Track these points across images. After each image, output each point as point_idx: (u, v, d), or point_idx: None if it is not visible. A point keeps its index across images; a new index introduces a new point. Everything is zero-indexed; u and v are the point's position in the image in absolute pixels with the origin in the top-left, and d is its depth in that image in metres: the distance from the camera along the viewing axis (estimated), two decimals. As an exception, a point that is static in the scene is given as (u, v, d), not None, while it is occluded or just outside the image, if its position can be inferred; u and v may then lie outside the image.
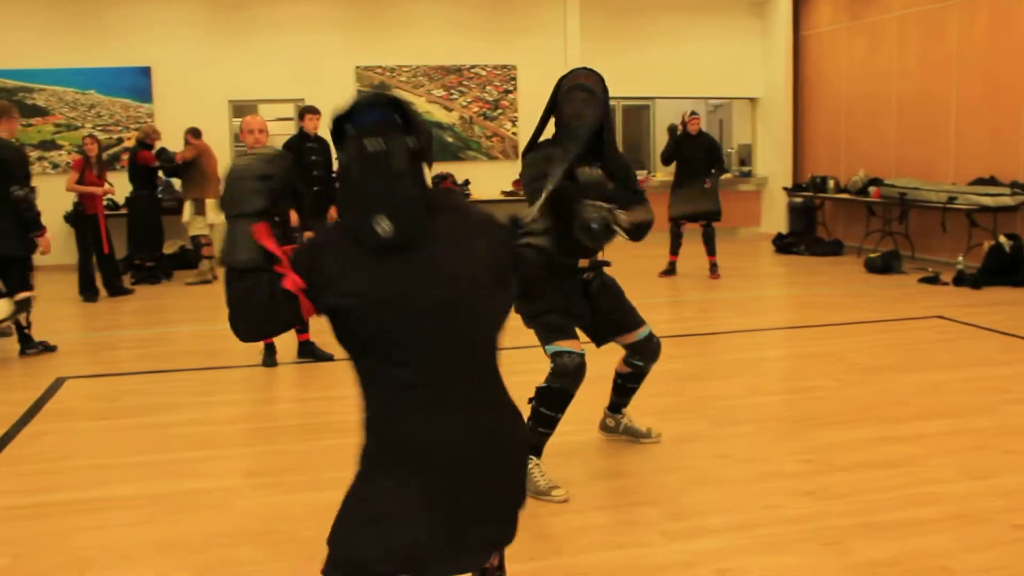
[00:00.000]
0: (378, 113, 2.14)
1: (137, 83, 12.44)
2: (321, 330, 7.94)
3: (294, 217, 8.57)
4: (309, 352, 6.96)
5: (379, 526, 2.09)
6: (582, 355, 4.16)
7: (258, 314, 2.12)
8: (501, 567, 2.38)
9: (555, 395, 4.17)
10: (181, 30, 12.56)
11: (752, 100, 14.79)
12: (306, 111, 9.26)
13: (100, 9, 12.23)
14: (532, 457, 4.21)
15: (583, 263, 4.30)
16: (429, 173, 2.23)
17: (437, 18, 13.35)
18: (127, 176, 11.15)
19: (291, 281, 2.08)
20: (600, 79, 4.13)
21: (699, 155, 10.15)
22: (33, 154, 11.58)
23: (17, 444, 5.16)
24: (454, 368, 2.17)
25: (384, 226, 2.10)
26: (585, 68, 4.26)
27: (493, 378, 2.25)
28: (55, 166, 12.25)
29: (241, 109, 13.05)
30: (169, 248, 11.96)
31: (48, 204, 9.09)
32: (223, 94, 12.71)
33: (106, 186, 10.07)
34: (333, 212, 9.40)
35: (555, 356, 4.17)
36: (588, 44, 13.56)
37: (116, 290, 10.14)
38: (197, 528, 3.93)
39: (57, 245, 10.02)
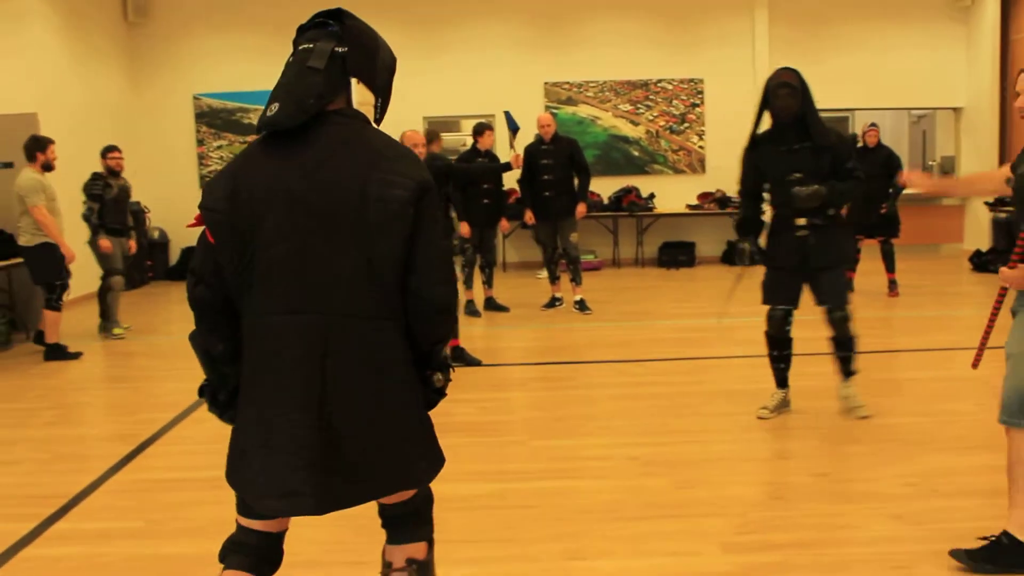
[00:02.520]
0: (324, 24, 2.34)
1: (340, 102, 13.32)
2: (471, 336, 8.41)
3: (465, 228, 9.03)
4: (458, 357, 7.32)
5: (241, 458, 2.30)
6: (785, 310, 5.38)
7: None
8: (422, 564, 2.51)
9: (769, 339, 5.52)
10: (381, 51, 13.35)
11: (956, 110, 14.03)
12: (483, 128, 9.65)
13: (307, 34, 13.22)
14: (777, 390, 5.57)
15: (800, 221, 5.22)
16: (363, 89, 2.34)
17: (623, 33, 13.52)
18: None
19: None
20: (798, 74, 5.14)
21: (877, 170, 9.78)
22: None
23: (181, 427, 5.79)
24: (303, 297, 2.23)
25: (272, 108, 2.25)
26: (785, 68, 5.22)
27: (352, 322, 2.23)
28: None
29: (436, 125, 13.73)
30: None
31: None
32: (419, 111, 13.40)
33: None
34: (505, 224, 9.78)
35: (768, 310, 5.45)
36: (777, 55, 13.30)
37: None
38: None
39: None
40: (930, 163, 14.75)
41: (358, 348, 2.24)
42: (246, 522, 2.44)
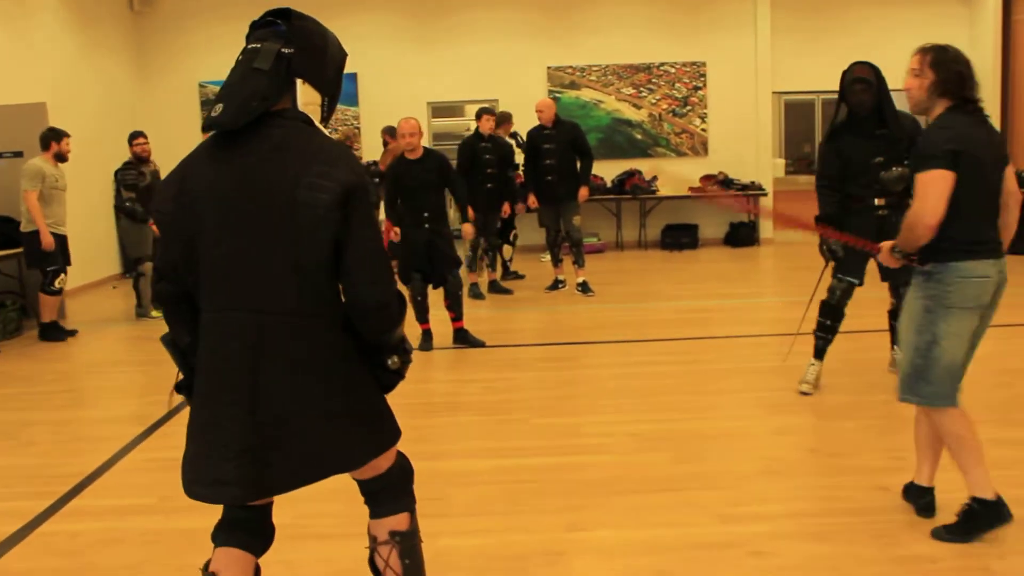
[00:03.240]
0: (273, 23, 2.39)
1: (345, 88, 13.40)
2: (476, 318, 8.53)
3: (469, 212, 9.13)
4: (462, 339, 7.44)
5: (187, 449, 2.47)
6: (849, 282, 5.55)
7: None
8: (406, 535, 2.62)
9: (826, 307, 5.66)
10: (384, 38, 13.46)
11: (959, 92, 14.03)
12: (482, 112, 9.76)
13: (312, 21, 13.29)
14: (815, 360, 5.69)
15: (880, 202, 5.41)
16: (309, 90, 2.41)
17: (626, 17, 13.58)
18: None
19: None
20: (873, 68, 5.44)
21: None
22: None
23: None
24: (238, 295, 2.32)
25: (216, 108, 2.30)
26: (860, 62, 5.52)
27: (284, 321, 2.32)
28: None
29: (439, 111, 13.85)
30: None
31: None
32: (423, 97, 13.50)
33: None
34: (506, 208, 9.89)
35: (833, 283, 5.61)
36: (779, 39, 13.38)
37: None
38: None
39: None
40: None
41: (289, 344, 2.33)
42: None
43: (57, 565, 3.73)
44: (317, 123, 2.47)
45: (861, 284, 5.57)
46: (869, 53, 13.35)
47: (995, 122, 12.91)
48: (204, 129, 2.36)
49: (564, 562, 3.55)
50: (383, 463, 2.60)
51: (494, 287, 9.99)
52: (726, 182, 13.43)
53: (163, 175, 12.00)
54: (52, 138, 8.37)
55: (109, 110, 12.31)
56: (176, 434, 5.40)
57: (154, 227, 8.94)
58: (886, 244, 3.73)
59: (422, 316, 7.39)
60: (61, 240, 8.49)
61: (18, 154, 9.13)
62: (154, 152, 9.52)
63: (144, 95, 13.49)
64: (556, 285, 10.00)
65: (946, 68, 3.48)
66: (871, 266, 5.35)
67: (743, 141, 13.67)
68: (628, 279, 10.99)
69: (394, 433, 2.61)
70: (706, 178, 13.57)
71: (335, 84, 2.49)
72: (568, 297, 9.64)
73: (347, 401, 2.44)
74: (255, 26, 2.43)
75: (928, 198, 3.37)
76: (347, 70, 10.41)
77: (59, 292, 8.47)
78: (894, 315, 5.73)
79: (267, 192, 2.29)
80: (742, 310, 8.58)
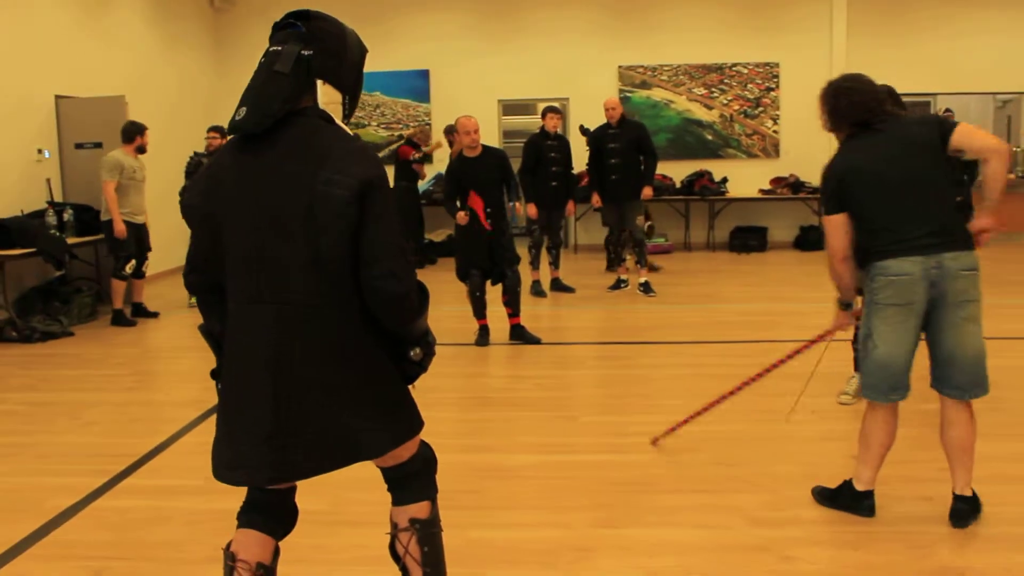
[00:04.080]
0: (293, 25, 2.45)
1: (417, 85, 13.61)
2: (536, 315, 8.56)
3: (532, 210, 9.17)
4: (519, 335, 7.49)
5: (216, 432, 2.54)
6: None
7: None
8: (425, 523, 2.67)
9: None
10: (456, 35, 13.58)
11: (1043, 95, 13.66)
12: (548, 110, 9.79)
13: (386, 18, 13.48)
14: (856, 373, 5.45)
15: None
16: (330, 89, 2.46)
17: (698, 17, 13.48)
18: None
19: None
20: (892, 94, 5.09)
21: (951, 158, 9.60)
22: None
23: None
24: (262, 288, 2.40)
25: (240, 112, 2.39)
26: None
27: (307, 312, 2.39)
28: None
29: (510, 108, 13.92)
30: (439, 236, 12.99)
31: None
32: (494, 94, 13.59)
33: None
34: (571, 206, 9.91)
35: None
36: (855, 39, 13.14)
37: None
38: (346, 472, 4.53)
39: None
40: (1015, 148, 14.37)
41: (312, 334, 2.40)
42: None
43: (105, 539, 3.88)
44: (339, 121, 2.53)
45: None
46: (948, 55, 13.20)
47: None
48: (228, 132, 2.46)
49: (591, 558, 3.57)
50: (405, 452, 2.66)
51: (556, 285, 10.02)
52: (796, 184, 13.24)
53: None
54: (136, 132, 8.73)
55: (185, 104, 12.63)
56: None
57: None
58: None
59: (480, 312, 7.46)
60: (138, 229, 8.81)
61: (98, 145, 9.48)
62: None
63: (221, 91, 13.78)
64: (618, 285, 9.99)
65: (828, 103, 3.78)
66: None
67: (815, 144, 13.40)
68: (693, 280, 10.92)
69: (416, 423, 2.66)
70: (776, 180, 13.39)
71: (355, 82, 2.55)
72: (630, 297, 9.62)
73: (369, 391, 2.50)
74: (276, 27, 2.50)
75: (830, 239, 3.77)
76: (419, 67, 10.73)
77: (127, 278, 8.77)
78: None
79: (288, 188, 2.37)
80: (806, 315, 8.45)
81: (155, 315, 9.06)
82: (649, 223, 10.76)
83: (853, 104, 3.73)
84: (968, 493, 3.78)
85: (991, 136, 3.72)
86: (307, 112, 2.45)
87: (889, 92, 3.81)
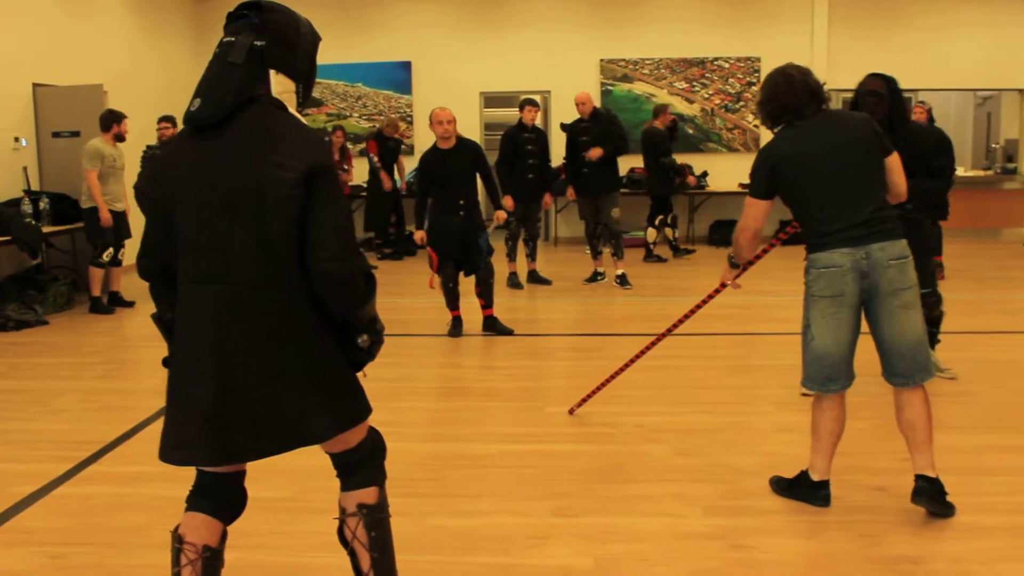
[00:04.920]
0: (246, 16, 2.50)
1: (399, 76, 13.61)
2: (513, 307, 8.60)
3: (509, 202, 9.20)
4: (491, 326, 7.53)
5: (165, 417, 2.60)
6: None
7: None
8: (373, 508, 2.72)
9: None
10: (438, 27, 13.59)
11: (1022, 92, 13.73)
12: (526, 103, 9.83)
13: (367, 10, 13.50)
14: None
15: None
16: (282, 78, 2.51)
17: (680, 11, 13.53)
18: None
19: None
20: (887, 80, 5.30)
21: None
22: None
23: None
24: (209, 269, 2.44)
25: (194, 103, 2.46)
26: (874, 75, 5.39)
27: (252, 292, 2.42)
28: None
29: (491, 100, 13.93)
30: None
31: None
32: (475, 86, 13.61)
33: (342, 175, 11.20)
34: (547, 199, 9.94)
35: None
36: (836, 34, 13.21)
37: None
38: (310, 459, 4.55)
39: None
40: (993, 145, 14.49)
41: (256, 316, 2.43)
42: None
43: (65, 525, 3.90)
44: (292, 109, 2.56)
45: None
46: (930, 51, 13.25)
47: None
48: (184, 123, 2.51)
49: (545, 545, 3.61)
50: (353, 437, 2.69)
51: (533, 277, 10.05)
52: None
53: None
54: (113, 119, 8.73)
55: (169, 93, 12.56)
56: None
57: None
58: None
59: (453, 303, 7.49)
60: (117, 216, 8.82)
61: (76, 134, 9.47)
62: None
63: (204, 79, 13.77)
64: (595, 277, 10.03)
65: (763, 96, 3.87)
66: None
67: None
68: (671, 273, 10.97)
69: (363, 409, 2.69)
70: (757, 175, 13.43)
71: (309, 71, 2.60)
72: (606, 289, 9.67)
73: (315, 374, 2.52)
74: (231, 18, 2.54)
75: (748, 220, 3.93)
76: (401, 59, 10.74)
77: (104, 265, 8.79)
78: (930, 322, 5.72)
79: (237, 171, 2.41)
80: (778, 307, 8.52)
81: (131, 304, 9.09)
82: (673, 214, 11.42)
83: (777, 100, 3.80)
84: (930, 473, 3.79)
85: (904, 182, 3.87)
86: (260, 99, 2.49)
87: (814, 89, 3.85)
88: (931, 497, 3.76)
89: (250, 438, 2.47)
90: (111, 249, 8.82)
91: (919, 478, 3.81)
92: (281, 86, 2.52)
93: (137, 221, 9.73)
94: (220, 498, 2.69)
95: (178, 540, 2.64)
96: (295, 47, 2.51)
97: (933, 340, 5.85)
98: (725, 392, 5.73)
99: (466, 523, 3.84)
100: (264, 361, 2.45)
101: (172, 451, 2.52)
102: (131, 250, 9.46)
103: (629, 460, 4.56)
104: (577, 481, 4.27)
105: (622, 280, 9.67)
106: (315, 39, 2.62)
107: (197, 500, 2.68)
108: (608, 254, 9.94)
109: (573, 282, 10.11)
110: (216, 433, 2.45)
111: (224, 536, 2.71)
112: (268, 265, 2.42)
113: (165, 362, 2.67)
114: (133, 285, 9.91)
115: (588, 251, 11.92)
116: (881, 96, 5.26)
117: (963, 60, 13.37)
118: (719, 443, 4.80)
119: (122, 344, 7.74)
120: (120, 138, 8.81)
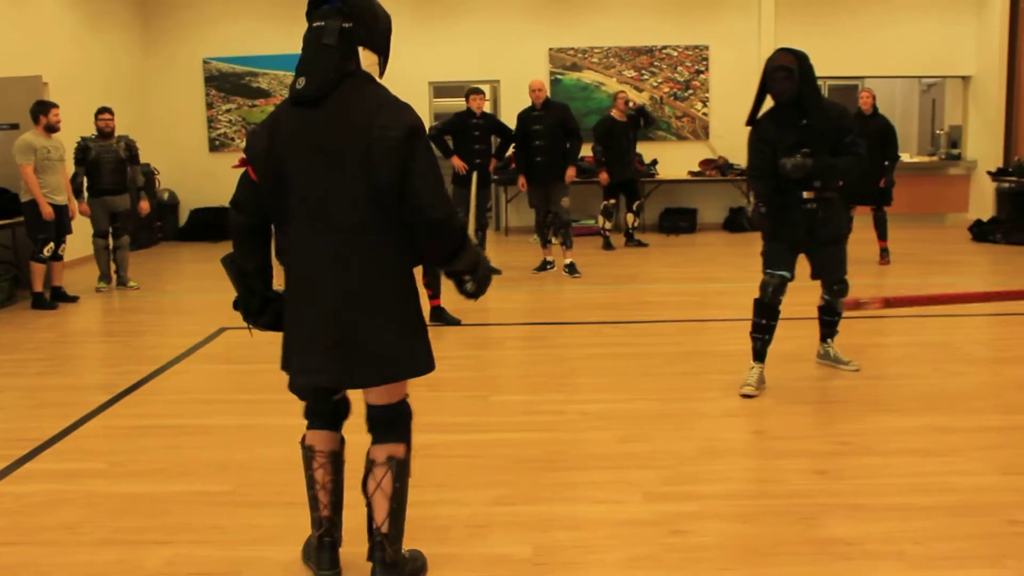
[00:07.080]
0: (329, 1, 2.86)
1: (346, 66, 13.46)
2: (457, 298, 8.47)
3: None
4: (438, 316, 7.50)
5: (287, 347, 3.05)
6: (781, 276, 5.34)
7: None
8: (401, 462, 3.05)
9: (759, 305, 5.40)
10: (387, 16, 13.45)
11: (965, 79, 13.94)
12: (471, 92, 9.80)
13: (315, -2, 13.31)
14: (754, 363, 5.45)
15: (808, 195, 5.29)
16: (368, 53, 2.87)
17: (629, 0, 13.53)
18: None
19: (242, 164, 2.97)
20: (798, 56, 5.15)
21: (872, 139, 9.74)
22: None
23: (160, 379, 6.03)
24: (323, 219, 2.81)
25: (300, 82, 2.80)
26: (784, 49, 5.26)
27: (361, 238, 2.80)
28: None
29: (441, 90, 13.86)
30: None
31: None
32: (424, 76, 13.53)
33: None
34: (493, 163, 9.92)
35: (764, 279, 5.38)
36: (783, 23, 13.31)
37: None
38: (251, 453, 4.53)
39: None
40: (938, 131, 14.70)
41: (366, 258, 2.83)
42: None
43: (-2, 524, 3.83)
44: (377, 79, 2.95)
45: (792, 278, 5.39)
46: (876, 38, 13.41)
47: (1000, 111, 12.79)
48: (293, 101, 2.84)
49: (484, 535, 3.61)
50: (401, 391, 3.07)
51: (482, 267, 10.02)
52: (725, 167, 13.40)
53: (151, 155, 12.09)
54: (40, 111, 8.56)
55: (115, 84, 12.41)
56: (140, 403, 5.53)
57: (84, 207, 9.12)
58: None
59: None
60: (58, 210, 8.65)
61: (14, 126, 9.27)
62: (160, 126, 9.61)
63: (150, 70, 13.58)
64: (544, 266, 10.05)
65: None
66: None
67: (745, 126, 13.59)
68: (621, 261, 11.01)
69: (429, 363, 3.05)
70: (706, 162, 13.54)
71: (387, 46, 2.99)
72: (555, 278, 9.69)
73: (404, 318, 2.94)
74: (314, 4, 2.90)
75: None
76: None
77: (45, 260, 8.63)
78: (824, 311, 5.83)
79: (345, 134, 2.78)
80: (727, 294, 8.59)
81: (75, 299, 8.94)
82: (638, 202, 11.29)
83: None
84: None
85: None
86: (356, 74, 2.86)
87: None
88: None
89: (360, 366, 2.87)
90: (52, 244, 8.65)
91: None
92: (367, 60, 2.89)
93: (82, 219, 9.57)
94: (332, 415, 3.19)
95: (308, 450, 3.18)
96: (375, 26, 2.88)
97: (832, 331, 5.92)
98: (672, 379, 5.76)
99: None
100: (371, 298, 2.84)
101: (300, 376, 2.96)
102: (72, 245, 9.35)
103: (572, 448, 4.57)
104: (518, 470, 4.27)
105: (571, 269, 9.69)
106: (388, 16, 2.99)
107: (314, 419, 3.19)
108: (557, 243, 9.95)
109: (523, 271, 10.11)
110: (334, 362, 2.86)
111: (343, 441, 3.24)
112: (375, 213, 2.79)
113: (236, 305, 3.13)
114: (77, 280, 9.79)
115: (535, 240, 11.99)
116: (791, 71, 5.12)
117: (908, 47, 13.54)
118: (663, 429, 4.83)
119: (64, 340, 7.60)
120: (51, 128, 8.59)
